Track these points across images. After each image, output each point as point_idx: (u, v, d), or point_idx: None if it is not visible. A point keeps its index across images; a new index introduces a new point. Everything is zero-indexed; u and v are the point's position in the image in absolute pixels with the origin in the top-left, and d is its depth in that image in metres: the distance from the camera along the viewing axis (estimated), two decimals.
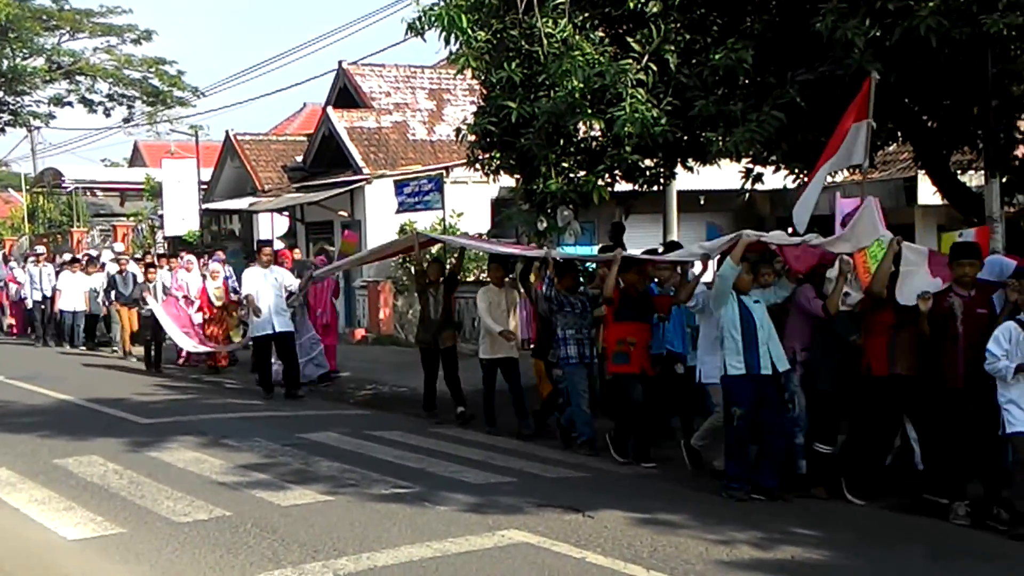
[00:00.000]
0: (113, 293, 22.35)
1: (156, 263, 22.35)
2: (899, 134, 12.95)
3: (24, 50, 52.97)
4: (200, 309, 20.07)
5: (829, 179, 13.19)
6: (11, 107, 56.46)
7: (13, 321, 29.83)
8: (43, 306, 26.49)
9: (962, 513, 8.58)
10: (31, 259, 28.69)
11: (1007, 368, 8.15)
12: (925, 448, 9.42)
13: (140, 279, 22.59)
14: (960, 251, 9.17)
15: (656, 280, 11.78)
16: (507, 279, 13.70)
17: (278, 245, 27.14)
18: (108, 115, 54.48)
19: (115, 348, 23.66)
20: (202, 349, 19.79)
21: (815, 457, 9.81)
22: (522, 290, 13.77)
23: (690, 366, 10.97)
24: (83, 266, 25.48)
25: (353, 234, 23.67)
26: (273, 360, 16.99)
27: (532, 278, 13.62)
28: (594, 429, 11.75)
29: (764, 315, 9.70)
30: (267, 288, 16.15)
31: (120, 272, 22.20)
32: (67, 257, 27.79)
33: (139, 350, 21.78)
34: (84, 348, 25.03)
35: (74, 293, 24.95)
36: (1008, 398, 8.25)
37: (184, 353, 20.59)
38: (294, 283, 16.60)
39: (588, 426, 11.77)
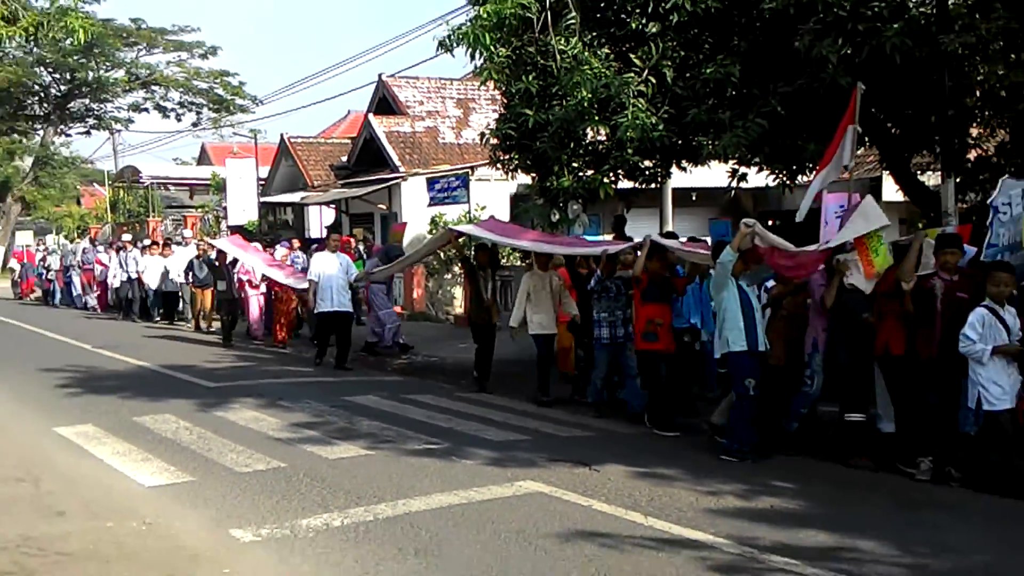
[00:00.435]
0: (190, 275, 21.93)
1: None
2: (866, 139, 12.87)
3: (107, 63, 53.17)
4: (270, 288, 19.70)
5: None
6: (96, 113, 56.73)
7: (97, 298, 29.75)
8: (128, 286, 26.00)
9: (924, 469, 8.52)
10: (116, 245, 28.40)
11: (983, 350, 8.05)
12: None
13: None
14: (944, 241, 9.06)
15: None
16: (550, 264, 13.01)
17: (325, 233, 27.41)
18: (179, 120, 54.68)
19: (190, 323, 23.42)
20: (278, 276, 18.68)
21: (848, 427, 9.41)
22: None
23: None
24: (160, 249, 25.21)
25: (401, 225, 23.43)
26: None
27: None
28: (602, 397, 11.80)
29: (755, 298, 9.67)
30: (334, 270, 15.83)
31: (197, 257, 21.63)
32: (147, 242, 27.54)
33: (213, 324, 21.78)
34: (164, 322, 24.73)
35: (153, 273, 24.72)
36: (985, 377, 8.12)
37: (256, 331, 20.37)
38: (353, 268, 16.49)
39: (598, 394, 11.77)
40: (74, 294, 31.07)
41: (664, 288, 10.91)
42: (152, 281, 24.78)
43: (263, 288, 20.19)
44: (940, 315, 8.74)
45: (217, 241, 20.43)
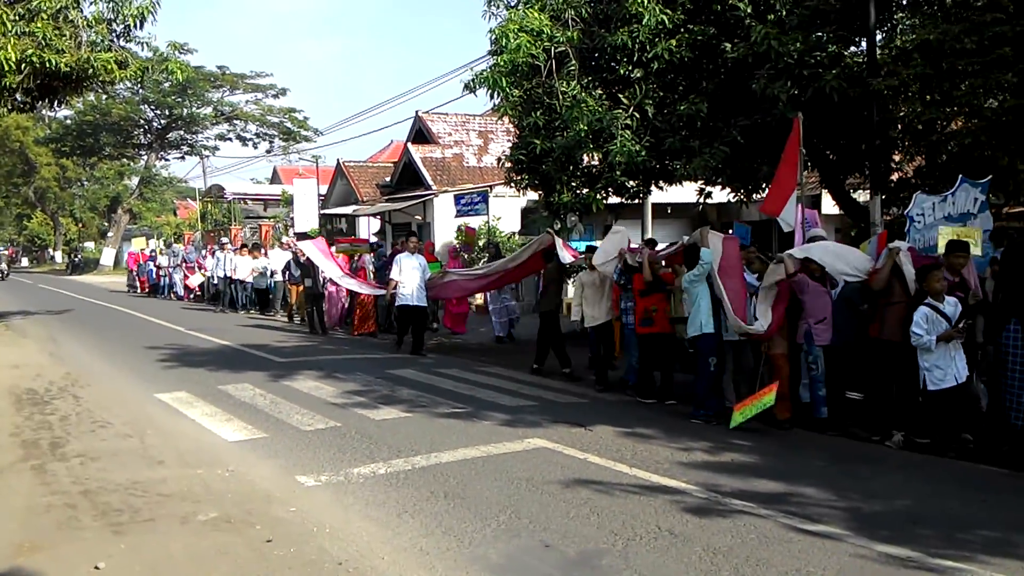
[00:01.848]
0: (287, 274, 21.11)
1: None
2: (809, 163, 12.78)
3: (198, 102, 53.61)
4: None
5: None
6: (189, 142, 57.25)
7: (187, 290, 29.62)
8: (224, 283, 25.29)
9: (896, 440, 8.34)
10: (213, 248, 27.98)
11: (930, 341, 7.94)
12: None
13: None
14: (954, 246, 8.68)
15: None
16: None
17: (372, 239, 27.28)
18: (255, 147, 55.14)
19: (282, 314, 22.49)
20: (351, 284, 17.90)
21: (848, 403, 9.26)
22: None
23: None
24: (250, 251, 24.68)
25: (472, 229, 21.92)
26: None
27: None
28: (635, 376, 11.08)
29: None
30: (412, 270, 14.93)
31: (293, 257, 20.70)
32: (239, 244, 27.06)
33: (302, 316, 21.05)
34: (255, 312, 23.94)
35: (244, 271, 24.20)
36: (931, 363, 8.01)
37: (334, 322, 19.27)
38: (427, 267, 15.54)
39: (633, 373, 11.05)
40: (175, 288, 30.93)
41: (658, 280, 10.54)
42: (243, 276, 24.21)
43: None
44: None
45: (304, 245, 19.45)
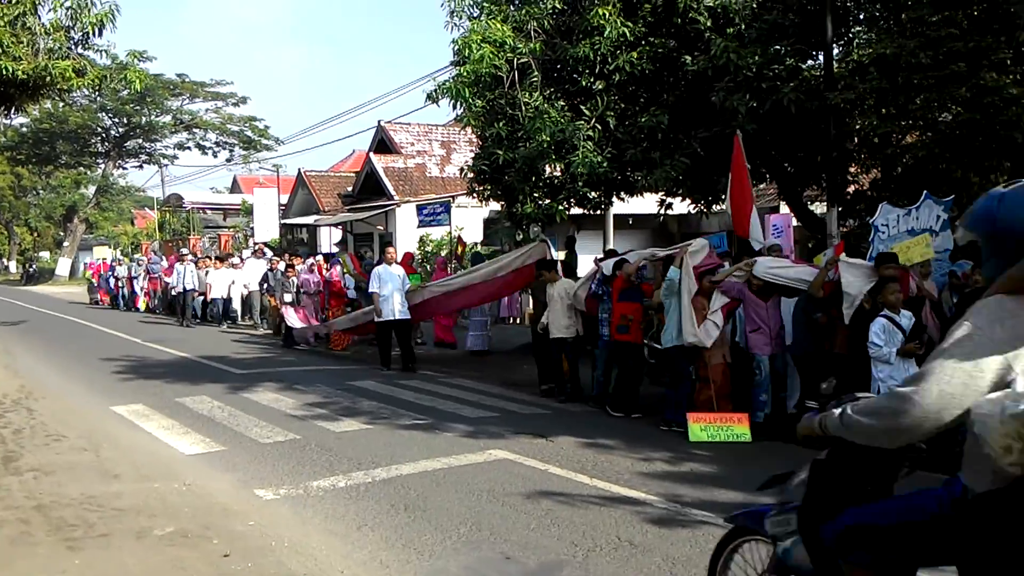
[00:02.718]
0: (264, 285, 20.19)
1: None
2: (768, 175, 12.96)
3: (157, 110, 53.10)
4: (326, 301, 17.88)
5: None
6: (147, 150, 56.65)
7: (148, 300, 28.95)
8: (185, 295, 23.57)
9: None
10: (177, 257, 26.53)
11: (889, 353, 8.04)
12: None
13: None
14: (883, 258, 8.86)
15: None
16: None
17: (334, 250, 27.10)
18: (215, 156, 54.61)
19: (265, 327, 21.15)
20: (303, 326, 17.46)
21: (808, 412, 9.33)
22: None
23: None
24: (216, 263, 23.84)
25: (463, 242, 21.48)
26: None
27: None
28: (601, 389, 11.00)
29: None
30: (393, 281, 14.25)
31: (271, 269, 19.90)
32: (202, 255, 26.45)
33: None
34: (229, 326, 22.77)
35: (222, 285, 23.02)
36: (887, 375, 8.10)
37: (307, 334, 17.97)
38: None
39: (599, 386, 11.00)
40: (135, 299, 29.93)
41: (635, 291, 10.53)
42: (221, 292, 23.01)
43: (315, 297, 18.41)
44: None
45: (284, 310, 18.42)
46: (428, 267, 20.13)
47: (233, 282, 23.04)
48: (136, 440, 9.07)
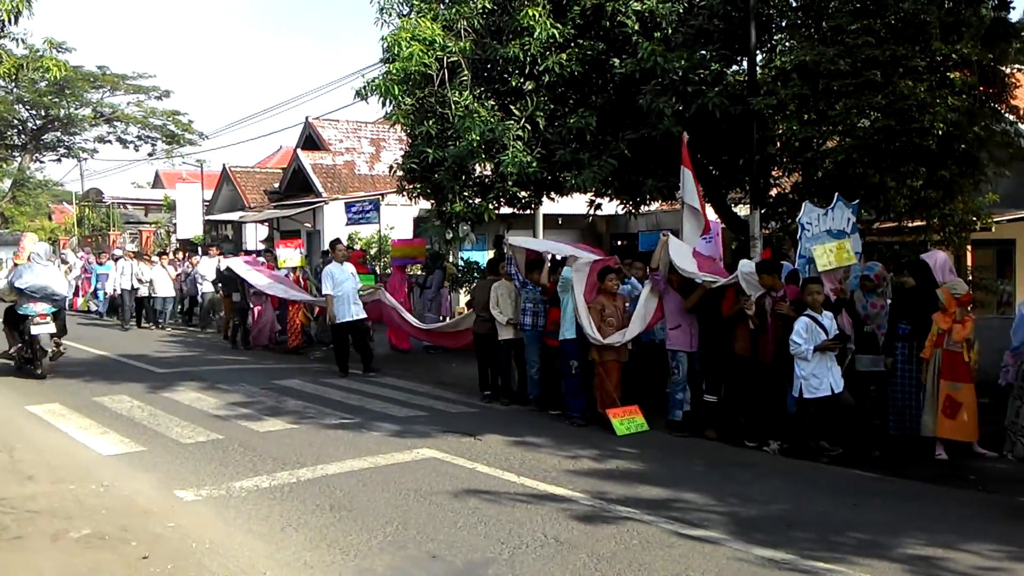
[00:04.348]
0: (219, 285, 19.03)
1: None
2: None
3: (76, 102, 51.61)
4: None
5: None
6: (66, 144, 55.01)
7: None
8: (128, 295, 21.75)
9: (774, 448, 8.64)
10: (112, 255, 25.00)
11: (807, 350, 8.25)
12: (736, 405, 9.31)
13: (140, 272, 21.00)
14: (763, 267, 9.13)
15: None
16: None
17: (260, 247, 26.67)
18: (137, 150, 53.53)
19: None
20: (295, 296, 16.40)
21: (704, 405, 9.57)
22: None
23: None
24: (170, 260, 22.61)
25: (415, 240, 19.47)
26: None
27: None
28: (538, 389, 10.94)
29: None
30: (347, 280, 13.68)
31: (224, 269, 18.39)
32: (152, 252, 24.93)
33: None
34: (174, 327, 21.63)
35: (166, 284, 21.52)
36: (808, 372, 8.31)
37: (266, 339, 17.29)
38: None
39: (535, 387, 10.93)
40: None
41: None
42: (166, 291, 21.53)
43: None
44: (771, 325, 8.91)
45: (230, 261, 17.91)
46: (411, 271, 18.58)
47: (190, 280, 21.67)
48: (52, 440, 8.82)
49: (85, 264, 27.78)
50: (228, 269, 17.72)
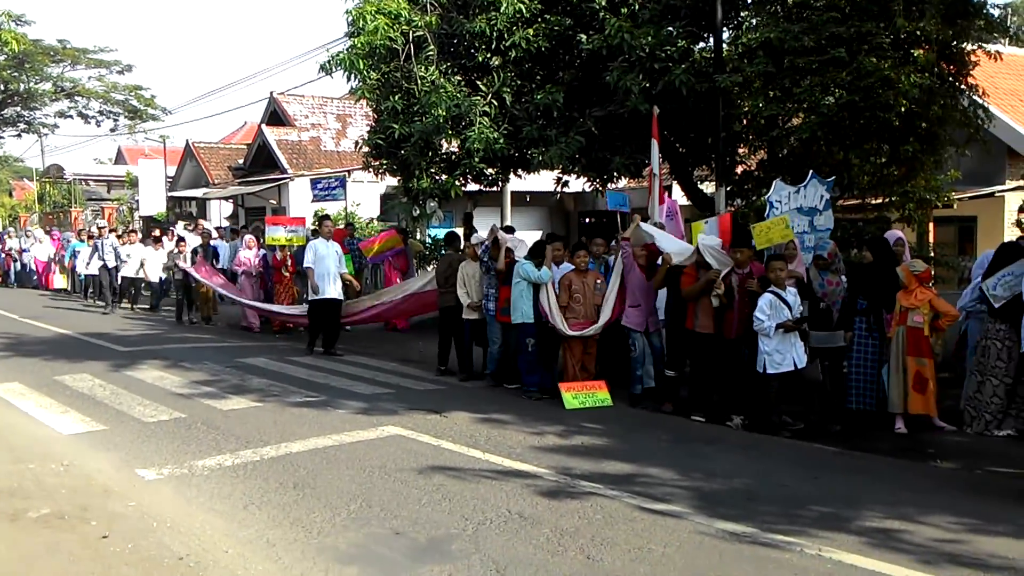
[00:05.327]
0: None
1: (179, 237, 19.03)
2: (661, 155, 13.17)
3: (36, 77, 50.56)
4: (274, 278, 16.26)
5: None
6: (26, 119, 53.94)
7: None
8: (106, 274, 20.30)
9: (737, 423, 8.69)
10: (89, 232, 23.53)
11: (770, 327, 8.32)
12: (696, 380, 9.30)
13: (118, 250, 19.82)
14: (737, 241, 9.13)
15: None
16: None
17: (225, 223, 26.38)
18: (99, 126, 52.56)
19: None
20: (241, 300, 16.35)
21: (664, 380, 9.62)
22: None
23: None
24: (156, 240, 20.85)
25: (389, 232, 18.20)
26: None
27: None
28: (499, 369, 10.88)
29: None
30: (329, 258, 13.38)
31: (203, 245, 18.18)
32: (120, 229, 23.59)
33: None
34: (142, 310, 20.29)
35: (156, 267, 19.76)
36: (771, 348, 8.39)
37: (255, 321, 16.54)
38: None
39: (493, 363, 10.91)
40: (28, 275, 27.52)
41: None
42: (155, 275, 19.76)
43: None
44: (737, 302, 8.93)
45: (185, 267, 17.19)
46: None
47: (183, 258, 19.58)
48: (11, 420, 8.70)
49: (61, 241, 26.46)
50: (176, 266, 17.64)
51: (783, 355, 8.41)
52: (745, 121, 11.78)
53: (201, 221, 25.05)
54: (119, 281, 20.54)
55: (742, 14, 12.13)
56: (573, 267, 10.06)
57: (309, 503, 6.09)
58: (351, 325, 14.78)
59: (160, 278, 19.73)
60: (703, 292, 8.92)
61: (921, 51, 10.24)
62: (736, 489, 6.54)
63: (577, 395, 9.57)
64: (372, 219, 22.62)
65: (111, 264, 20.19)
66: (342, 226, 17.90)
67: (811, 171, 9.74)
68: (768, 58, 10.17)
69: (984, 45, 11.22)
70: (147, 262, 19.98)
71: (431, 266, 17.26)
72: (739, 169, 12.72)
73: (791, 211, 9.63)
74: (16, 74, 49.39)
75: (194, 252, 17.84)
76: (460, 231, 14.26)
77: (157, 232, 22.88)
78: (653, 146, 10.31)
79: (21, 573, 4.87)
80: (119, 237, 21.25)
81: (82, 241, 23.38)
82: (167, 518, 5.72)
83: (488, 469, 6.99)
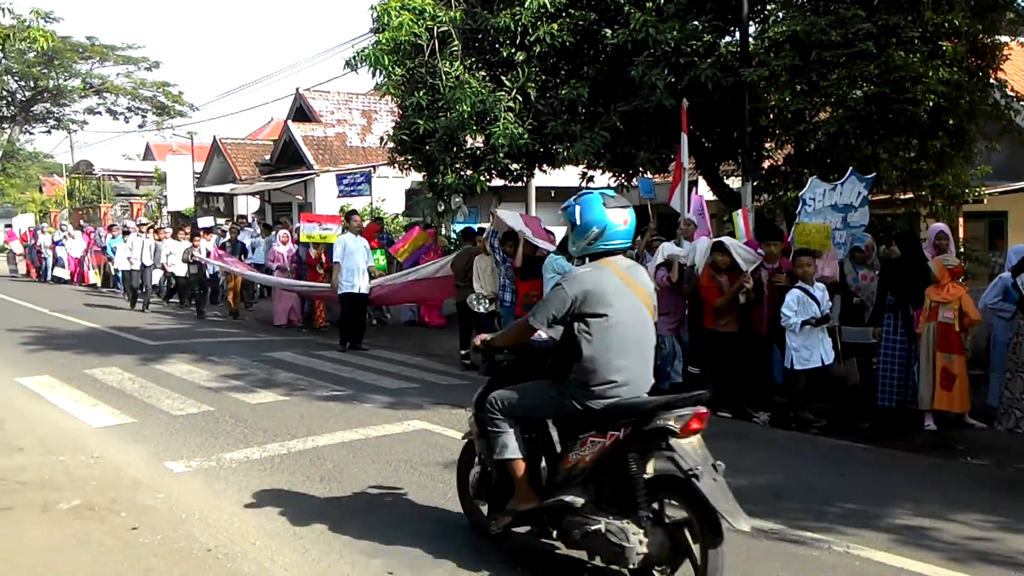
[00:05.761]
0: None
1: (199, 234, 19.31)
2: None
3: (65, 74, 51.18)
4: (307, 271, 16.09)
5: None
6: (55, 115, 54.58)
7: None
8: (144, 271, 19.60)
9: (763, 419, 8.67)
10: (123, 228, 23.28)
11: (796, 323, 8.28)
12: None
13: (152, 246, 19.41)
14: (767, 234, 9.21)
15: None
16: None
17: (252, 219, 26.48)
18: (127, 122, 52.97)
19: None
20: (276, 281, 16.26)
21: (688, 376, 9.59)
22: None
23: None
24: (190, 236, 20.05)
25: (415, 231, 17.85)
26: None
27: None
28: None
29: None
30: (359, 252, 13.37)
31: (231, 240, 18.34)
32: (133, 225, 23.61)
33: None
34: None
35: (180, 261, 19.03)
36: (798, 344, 8.35)
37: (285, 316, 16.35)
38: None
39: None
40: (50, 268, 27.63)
41: (536, 266, 10.51)
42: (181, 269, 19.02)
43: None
44: (768, 298, 8.88)
45: (201, 258, 17.47)
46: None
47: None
48: (42, 412, 8.80)
49: (97, 238, 26.16)
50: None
51: (810, 351, 8.34)
52: (771, 115, 11.69)
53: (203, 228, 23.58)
54: (153, 279, 20.20)
55: (768, 8, 12.04)
56: None
57: (336, 496, 6.12)
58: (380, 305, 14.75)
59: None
60: (735, 297, 8.85)
61: (950, 44, 10.11)
62: (762, 485, 6.49)
63: None
64: (397, 215, 22.66)
65: (148, 263, 19.64)
66: (370, 222, 17.90)
67: (851, 168, 9.67)
68: (795, 52, 10.09)
69: (1017, 38, 11.07)
70: (173, 258, 19.59)
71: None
72: (765, 163, 12.63)
73: (825, 208, 9.54)
74: (46, 71, 49.96)
75: (221, 247, 17.96)
76: (487, 227, 14.18)
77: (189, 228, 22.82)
78: (683, 140, 10.25)
79: (52, 563, 4.92)
80: (155, 233, 20.84)
81: (116, 238, 23.13)
82: (196, 510, 5.76)
83: None
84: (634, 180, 12.98)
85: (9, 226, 36.53)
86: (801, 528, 5.49)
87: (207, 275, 18.16)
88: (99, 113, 53.46)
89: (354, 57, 12.33)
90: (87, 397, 9.47)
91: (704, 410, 4.37)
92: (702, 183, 14.44)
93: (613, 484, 4.42)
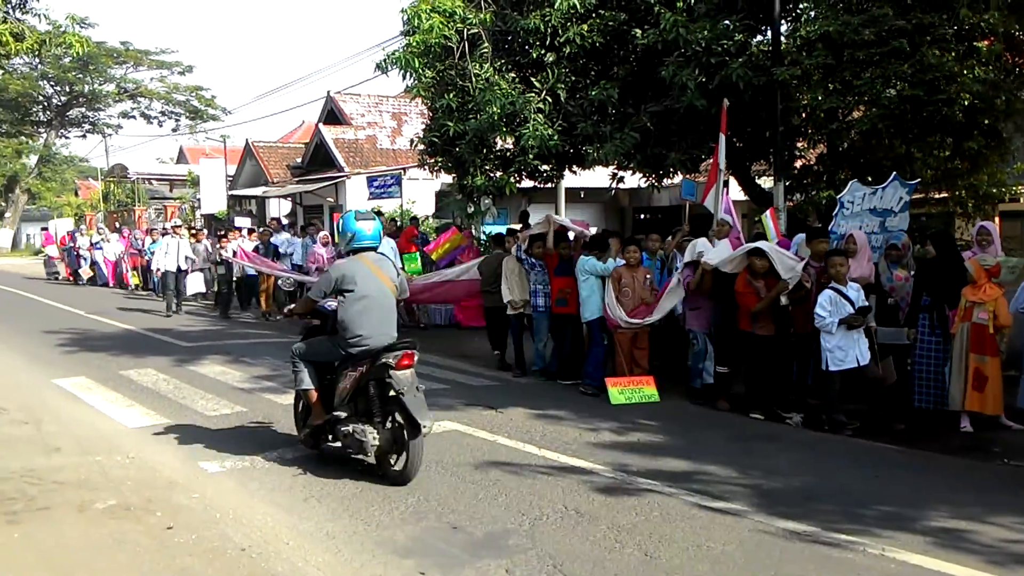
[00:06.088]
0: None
1: (225, 235, 19.49)
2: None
3: (100, 78, 52.02)
4: None
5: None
6: (90, 120, 55.46)
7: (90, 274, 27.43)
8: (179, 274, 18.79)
9: (796, 421, 8.62)
10: (162, 230, 22.77)
11: (832, 323, 8.20)
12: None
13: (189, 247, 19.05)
14: (814, 233, 9.17)
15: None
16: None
17: (284, 222, 26.63)
18: (161, 126, 54.04)
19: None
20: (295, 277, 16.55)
21: (718, 376, 9.52)
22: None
23: None
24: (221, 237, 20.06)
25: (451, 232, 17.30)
26: None
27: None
28: (545, 362, 11.10)
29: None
30: (386, 254, 13.47)
31: (263, 242, 18.19)
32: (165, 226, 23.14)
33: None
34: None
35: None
36: (833, 344, 8.27)
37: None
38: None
39: (540, 359, 11.12)
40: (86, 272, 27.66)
41: (570, 265, 10.56)
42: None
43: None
44: (814, 295, 8.76)
45: (228, 257, 17.54)
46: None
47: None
48: (78, 413, 8.92)
49: (133, 240, 26.05)
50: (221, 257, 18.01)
51: (845, 352, 8.26)
52: (804, 115, 11.60)
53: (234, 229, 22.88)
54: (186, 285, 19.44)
55: (800, 6, 11.94)
56: (624, 262, 10.04)
57: (367, 496, 6.14)
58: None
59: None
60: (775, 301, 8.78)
61: (985, 43, 9.97)
62: (796, 487, 6.44)
63: (624, 390, 9.54)
64: (427, 216, 22.73)
65: (184, 267, 18.93)
66: (397, 225, 17.98)
67: (894, 173, 9.56)
68: (827, 51, 9.98)
69: None
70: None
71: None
72: (798, 163, 12.52)
73: (863, 211, 9.44)
74: (81, 76, 50.76)
75: (255, 249, 18.06)
76: (518, 228, 14.13)
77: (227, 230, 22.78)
78: (721, 140, 10.18)
79: (89, 563, 4.98)
80: (193, 235, 20.58)
81: (156, 242, 22.10)
82: (230, 510, 5.81)
83: (544, 465, 6.98)
84: (674, 180, 12.92)
85: (45, 228, 37.05)
86: (835, 530, 5.44)
87: (238, 276, 18.38)
88: (133, 117, 54.30)
89: (385, 60, 12.37)
90: (122, 398, 9.59)
91: (412, 351, 6.41)
92: (733, 183, 14.34)
93: (363, 402, 6.57)
